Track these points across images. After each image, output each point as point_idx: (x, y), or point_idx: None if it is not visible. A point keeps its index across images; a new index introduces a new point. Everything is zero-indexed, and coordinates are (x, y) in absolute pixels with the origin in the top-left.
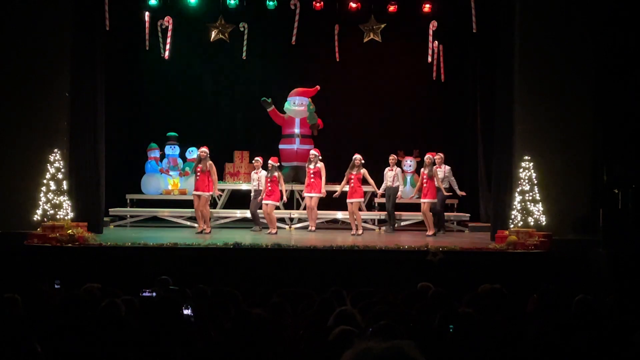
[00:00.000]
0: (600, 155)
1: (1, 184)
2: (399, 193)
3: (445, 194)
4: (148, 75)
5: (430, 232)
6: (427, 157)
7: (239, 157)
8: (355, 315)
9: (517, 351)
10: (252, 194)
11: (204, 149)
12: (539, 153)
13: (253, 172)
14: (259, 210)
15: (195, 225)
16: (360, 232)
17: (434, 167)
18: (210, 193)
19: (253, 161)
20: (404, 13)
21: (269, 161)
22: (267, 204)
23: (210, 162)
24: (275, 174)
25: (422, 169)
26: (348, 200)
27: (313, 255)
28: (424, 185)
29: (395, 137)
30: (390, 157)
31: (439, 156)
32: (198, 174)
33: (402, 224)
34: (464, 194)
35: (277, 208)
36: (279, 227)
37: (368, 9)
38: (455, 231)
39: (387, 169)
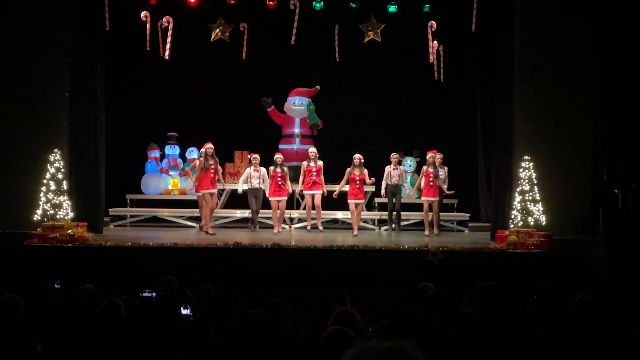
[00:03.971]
0: (600, 155)
1: (1, 184)
2: (409, 192)
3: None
4: (148, 75)
5: (437, 231)
6: (430, 155)
7: (239, 157)
8: (355, 315)
9: (517, 351)
10: (249, 191)
11: (211, 145)
12: (539, 153)
13: (251, 169)
14: (263, 209)
15: (195, 225)
16: (356, 232)
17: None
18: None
19: (252, 158)
20: (404, 13)
21: (278, 156)
22: (279, 200)
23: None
24: (285, 169)
25: (426, 168)
26: (354, 201)
27: (313, 255)
28: (430, 184)
29: (395, 137)
30: (394, 156)
31: (439, 156)
32: (212, 172)
33: (403, 223)
34: (451, 192)
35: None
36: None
37: (368, 9)
38: (455, 231)
39: (390, 168)
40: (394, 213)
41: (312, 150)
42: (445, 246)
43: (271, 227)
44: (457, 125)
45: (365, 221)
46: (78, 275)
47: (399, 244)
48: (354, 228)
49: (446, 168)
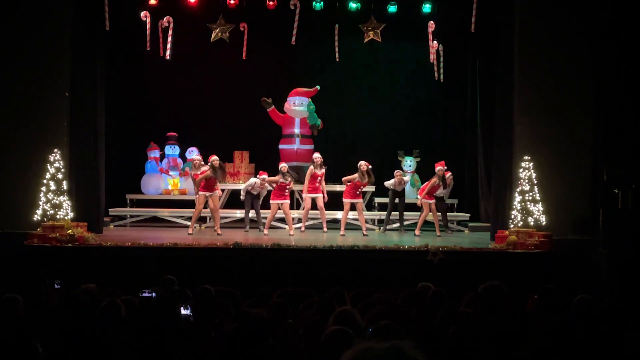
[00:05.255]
0: (600, 155)
1: (1, 184)
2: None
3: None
4: (148, 75)
5: (438, 232)
6: (439, 168)
7: (239, 157)
8: (355, 315)
9: (517, 351)
10: (245, 195)
11: (216, 157)
12: (539, 153)
13: (257, 183)
14: (262, 210)
15: (195, 225)
16: (365, 232)
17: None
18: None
19: (268, 182)
20: (404, 13)
21: (283, 165)
22: (282, 204)
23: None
24: (290, 177)
25: (437, 181)
26: (351, 200)
27: (313, 255)
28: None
29: (395, 137)
30: (398, 173)
31: (450, 175)
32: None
33: (404, 223)
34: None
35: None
36: (279, 228)
37: (368, 9)
38: (455, 231)
39: (395, 180)
40: (396, 214)
41: (318, 156)
42: (445, 246)
43: (277, 228)
44: (457, 125)
45: (365, 221)
46: (78, 275)
47: (399, 244)
48: (362, 227)
49: (452, 183)
